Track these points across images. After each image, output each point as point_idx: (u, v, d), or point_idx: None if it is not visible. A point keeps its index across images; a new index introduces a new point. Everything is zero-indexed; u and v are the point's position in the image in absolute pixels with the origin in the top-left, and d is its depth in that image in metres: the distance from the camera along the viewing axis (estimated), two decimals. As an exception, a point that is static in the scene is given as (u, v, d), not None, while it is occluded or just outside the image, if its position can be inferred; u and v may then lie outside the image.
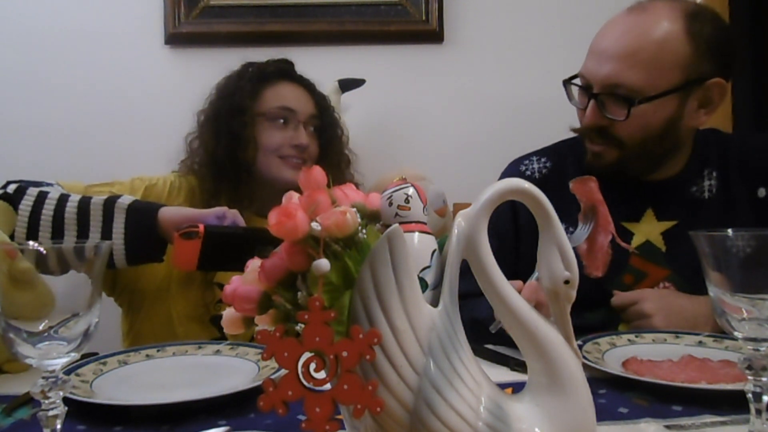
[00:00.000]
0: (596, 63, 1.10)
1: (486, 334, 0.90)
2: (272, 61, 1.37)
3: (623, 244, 0.75)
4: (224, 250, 1.00)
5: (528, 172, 1.25)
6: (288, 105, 1.30)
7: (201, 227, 1.00)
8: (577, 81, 1.16)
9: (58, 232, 1.00)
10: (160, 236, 1.04)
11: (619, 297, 1.09)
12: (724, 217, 1.13)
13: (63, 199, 1.03)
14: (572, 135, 1.30)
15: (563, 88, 1.18)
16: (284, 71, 1.35)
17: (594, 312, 1.10)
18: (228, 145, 1.27)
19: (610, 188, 1.15)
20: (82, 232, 1.01)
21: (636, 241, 1.15)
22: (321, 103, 1.37)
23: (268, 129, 1.29)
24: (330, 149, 1.37)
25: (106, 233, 1.01)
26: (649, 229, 1.16)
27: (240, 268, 1.09)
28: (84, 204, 1.03)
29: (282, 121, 1.29)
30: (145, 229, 1.03)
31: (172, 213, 1.04)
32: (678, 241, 1.13)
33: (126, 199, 1.05)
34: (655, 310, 1.03)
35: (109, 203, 1.03)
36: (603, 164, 1.14)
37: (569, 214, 1.17)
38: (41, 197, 1.02)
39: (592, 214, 0.79)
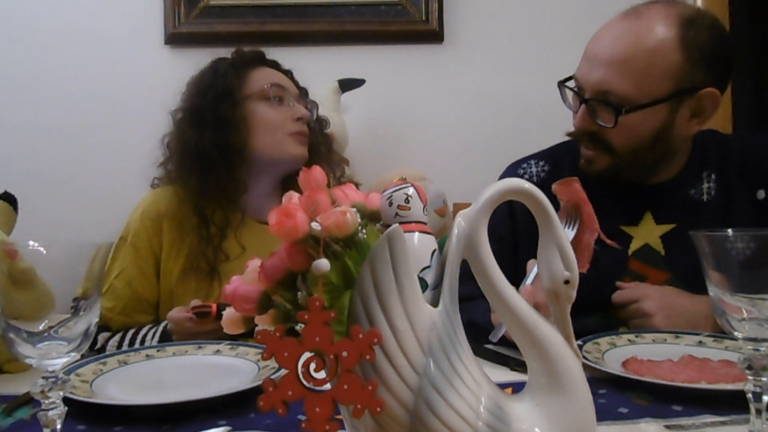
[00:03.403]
0: (588, 68, 1.09)
1: (482, 337, 0.90)
2: (246, 50, 1.36)
3: (609, 242, 0.75)
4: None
5: (526, 176, 1.24)
6: (278, 82, 1.30)
7: (213, 307, 1.06)
8: (571, 83, 1.15)
9: None
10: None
11: (620, 294, 1.08)
12: (723, 220, 1.12)
13: None
14: (568, 137, 1.29)
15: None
16: (262, 58, 1.36)
17: (593, 316, 1.10)
18: (215, 133, 1.25)
19: (608, 192, 1.15)
20: None
21: (635, 245, 1.15)
22: (302, 89, 1.38)
23: (263, 108, 1.28)
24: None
25: None
26: (647, 233, 1.15)
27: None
28: None
29: (277, 98, 1.29)
30: None
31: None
32: (677, 245, 1.12)
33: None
34: (655, 309, 1.02)
35: None
36: (595, 170, 1.14)
37: None
38: None
39: (576, 214, 0.80)
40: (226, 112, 1.25)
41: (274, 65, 1.36)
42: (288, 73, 1.37)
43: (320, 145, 1.36)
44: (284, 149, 1.27)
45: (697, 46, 1.04)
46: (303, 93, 1.38)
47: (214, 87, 1.28)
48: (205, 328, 1.07)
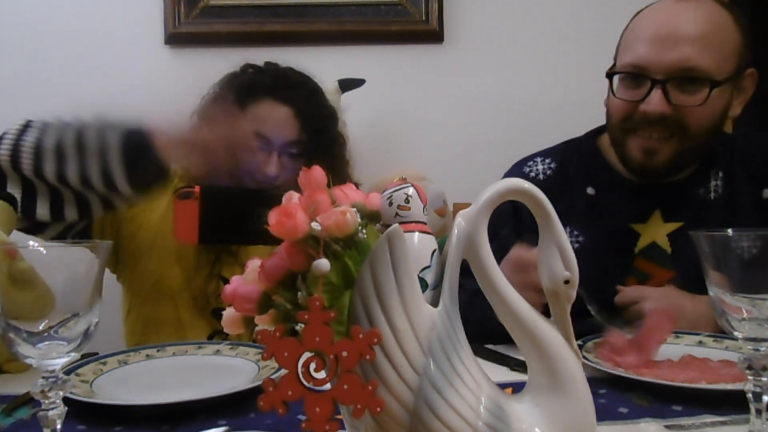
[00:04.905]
0: (661, 48, 1.05)
1: (498, 332, 0.89)
2: (267, 72, 1.30)
3: None
4: (224, 212, 1.00)
5: (532, 174, 1.24)
6: (262, 131, 1.22)
7: (197, 188, 0.99)
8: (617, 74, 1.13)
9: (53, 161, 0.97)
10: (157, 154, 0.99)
11: (622, 295, 1.08)
12: (729, 218, 1.12)
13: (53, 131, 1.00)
14: (575, 135, 1.29)
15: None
16: (272, 88, 1.25)
17: (598, 315, 1.10)
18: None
19: (621, 190, 1.18)
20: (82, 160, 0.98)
21: (642, 242, 1.15)
22: (311, 125, 1.26)
23: (244, 150, 1.20)
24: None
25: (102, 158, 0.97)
26: (655, 231, 1.15)
27: (244, 238, 1.09)
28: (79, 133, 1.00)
29: (256, 145, 1.22)
30: (142, 148, 0.98)
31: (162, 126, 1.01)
32: (684, 243, 1.12)
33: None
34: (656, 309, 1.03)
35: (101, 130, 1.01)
36: (656, 163, 1.10)
37: (573, 215, 1.18)
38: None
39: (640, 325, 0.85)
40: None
41: (286, 98, 1.25)
42: (300, 107, 1.25)
43: (318, 156, 1.23)
44: None
45: (744, 27, 1.08)
46: (312, 133, 1.25)
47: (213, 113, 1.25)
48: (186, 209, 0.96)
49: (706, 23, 1.05)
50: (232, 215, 1.00)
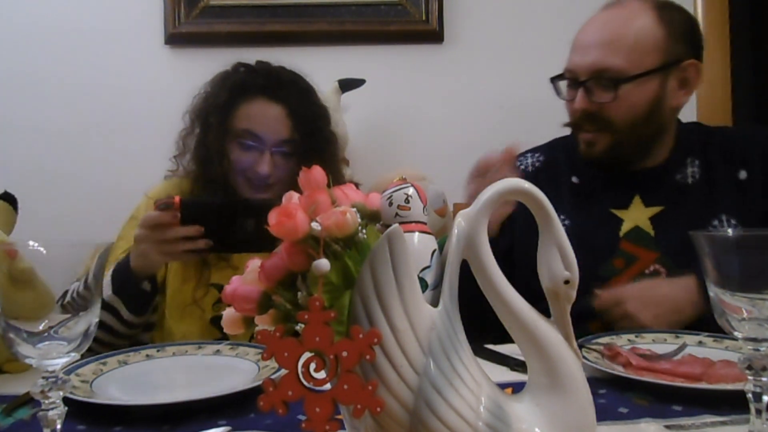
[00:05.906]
0: (580, 55, 1.18)
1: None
2: (259, 71, 1.30)
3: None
4: (204, 222, 1.01)
5: (522, 167, 1.33)
6: (254, 130, 1.22)
7: (176, 198, 1.00)
8: (563, 80, 1.24)
9: None
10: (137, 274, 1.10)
11: (602, 299, 1.09)
12: (708, 201, 1.19)
13: None
14: (565, 133, 1.33)
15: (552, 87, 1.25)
16: (264, 87, 1.25)
17: (589, 296, 1.11)
18: (204, 155, 1.25)
19: (599, 178, 1.24)
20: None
21: (625, 227, 1.21)
22: (303, 124, 1.26)
23: (236, 148, 1.24)
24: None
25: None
26: (637, 215, 1.21)
27: (225, 247, 1.11)
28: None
29: (247, 143, 1.23)
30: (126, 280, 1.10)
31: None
32: (665, 225, 1.19)
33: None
34: (638, 308, 1.05)
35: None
36: (596, 153, 1.21)
37: (560, 202, 1.23)
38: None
39: None
40: (209, 143, 1.25)
41: (278, 97, 1.25)
42: (292, 106, 1.25)
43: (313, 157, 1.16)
44: (241, 191, 1.25)
45: (674, 24, 1.17)
46: (303, 133, 1.25)
47: (206, 111, 1.27)
48: (167, 229, 1.02)
49: (618, 28, 1.15)
50: (213, 225, 1.02)
